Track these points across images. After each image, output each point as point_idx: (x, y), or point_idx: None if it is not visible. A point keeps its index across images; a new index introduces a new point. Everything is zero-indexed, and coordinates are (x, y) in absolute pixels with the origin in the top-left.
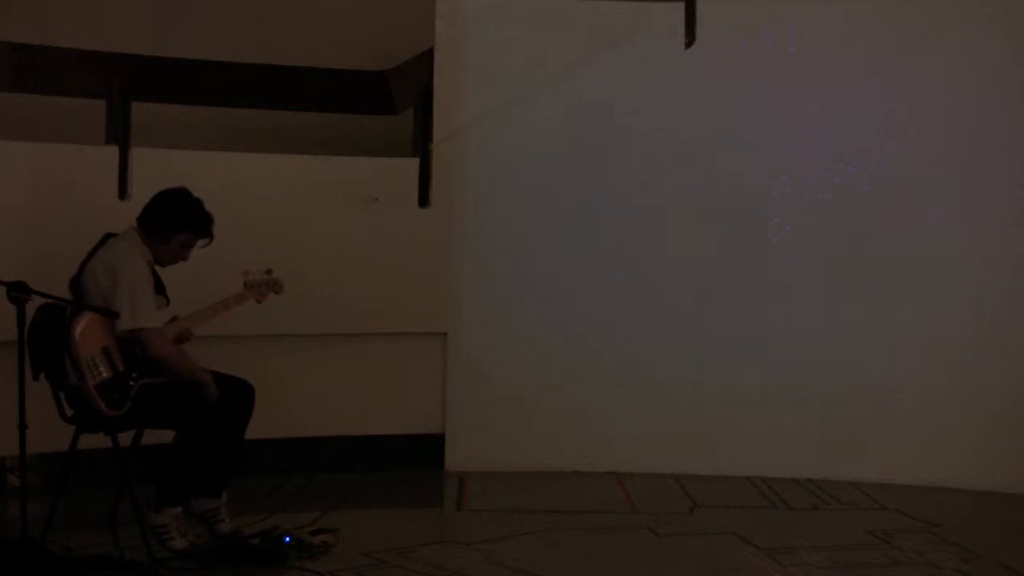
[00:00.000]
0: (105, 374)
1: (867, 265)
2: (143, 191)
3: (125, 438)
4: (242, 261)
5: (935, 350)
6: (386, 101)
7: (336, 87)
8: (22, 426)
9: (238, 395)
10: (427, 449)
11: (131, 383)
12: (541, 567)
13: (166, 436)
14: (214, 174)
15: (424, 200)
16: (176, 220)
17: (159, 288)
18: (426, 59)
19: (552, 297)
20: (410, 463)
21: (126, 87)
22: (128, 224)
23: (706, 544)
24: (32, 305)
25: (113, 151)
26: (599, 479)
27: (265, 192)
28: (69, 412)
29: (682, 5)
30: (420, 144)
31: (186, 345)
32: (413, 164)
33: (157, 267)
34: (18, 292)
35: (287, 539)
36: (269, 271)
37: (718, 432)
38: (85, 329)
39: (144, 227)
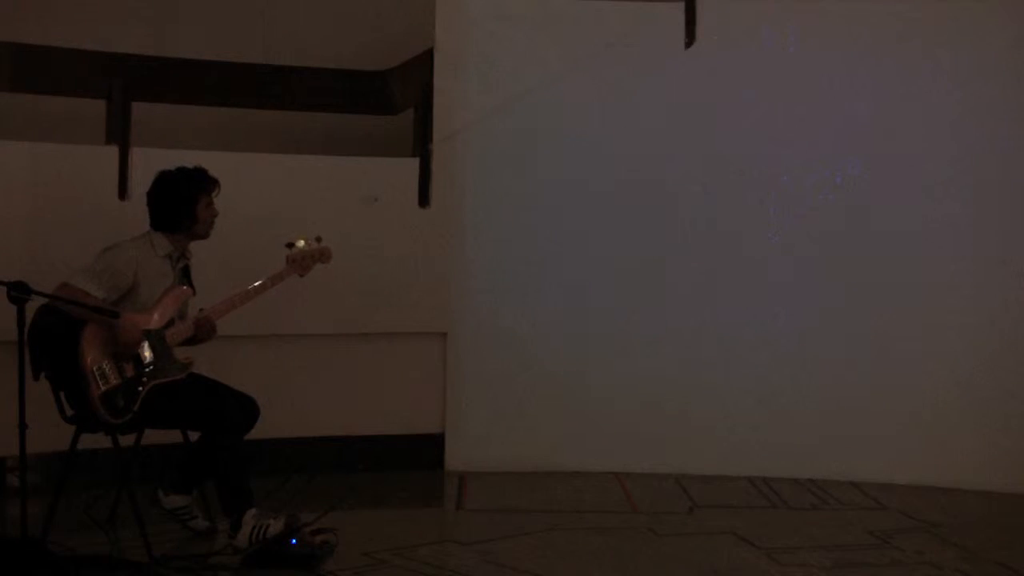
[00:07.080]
0: (114, 381)
1: (867, 265)
2: (143, 191)
3: (126, 438)
4: (242, 261)
5: (935, 350)
6: (386, 101)
7: (336, 87)
8: (22, 426)
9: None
10: (427, 449)
11: (140, 388)
12: (541, 567)
13: (167, 436)
14: (214, 174)
15: (424, 200)
16: (186, 194)
17: (185, 279)
18: (426, 59)
19: (552, 297)
20: (410, 463)
21: (126, 87)
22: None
23: (706, 544)
24: (32, 305)
25: (113, 151)
26: (599, 479)
27: (265, 192)
28: (69, 412)
29: (682, 5)
30: (420, 144)
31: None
32: (413, 164)
33: (199, 240)
34: (18, 292)
35: (293, 541)
36: (318, 239)
37: (718, 432)
38: (91, 336)
39: (165, 224)
